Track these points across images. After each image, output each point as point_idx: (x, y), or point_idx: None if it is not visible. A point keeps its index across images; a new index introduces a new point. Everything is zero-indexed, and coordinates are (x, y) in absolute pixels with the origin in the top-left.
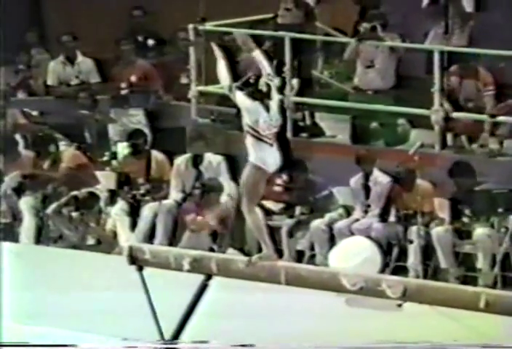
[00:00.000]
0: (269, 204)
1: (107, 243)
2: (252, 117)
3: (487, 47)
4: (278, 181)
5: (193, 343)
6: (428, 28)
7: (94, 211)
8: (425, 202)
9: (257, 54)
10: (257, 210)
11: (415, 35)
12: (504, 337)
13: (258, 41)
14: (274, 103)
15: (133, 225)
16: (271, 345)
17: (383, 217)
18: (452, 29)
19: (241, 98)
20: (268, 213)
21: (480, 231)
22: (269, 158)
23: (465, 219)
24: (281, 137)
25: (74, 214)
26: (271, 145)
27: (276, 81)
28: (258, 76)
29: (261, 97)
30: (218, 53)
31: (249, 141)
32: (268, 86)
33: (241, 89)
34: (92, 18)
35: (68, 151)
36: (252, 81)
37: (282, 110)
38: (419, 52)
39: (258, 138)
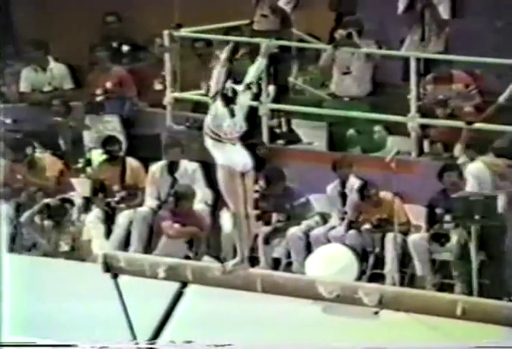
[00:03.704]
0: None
1: (81, 251)
2: (217, 121)
3: (464, 54)
4: (255, 188)
5: (170, 343)
6: (404, 35)
7: (67, 218)
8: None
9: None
10: (245, 215)
11: (391, 41)
12: (481, 344)
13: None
14: (240, 110)
15: (108, 233)
16: (249, 345)
17: (359, 224)
18: (429, 36)
19: (216, 104)
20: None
21: (457, 238)
22: (235, 156)
23: (445, 226)
24: (245, 138)
25: (46, 222)
26: (234, 144)
27: (241, 88)
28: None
29: (227, 102)
30: (219, 60)
31: (208, 143)
32: (234, 91)
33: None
34: (65, 24)
35: (47, 159)
36: (220, 86)
37: (250, 117)
38: (395, 59)
39: (218, 140)
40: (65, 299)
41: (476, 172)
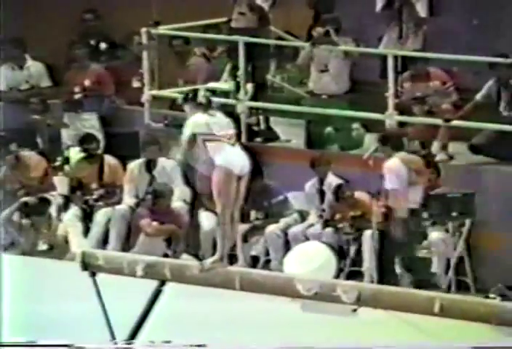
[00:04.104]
0: None
1: (59, 249)
2: (201, 127)
3: (441, 51)
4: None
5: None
6: (381, 33)
7: (45, 216)
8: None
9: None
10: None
11: (369, 39)
12: (459, 341)
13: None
14: (218, 112)
15: (86, 231)
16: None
17: (336, 222)
18: (406, 34)
19: (187, 110)
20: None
21: (435, 235)
22: (235, 158)
23: (423, 223)
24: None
25: (25, 221)
26: (233, 145)
27: (208, 94)
28: (196, 90)
29: (204, 108)
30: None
31: (210, 147)
32: (207, 98)
33: (185, 102)
34: (42, 22)
35: (32, 158)
36: (190, 95)
37: (229, 115)
38: (373, 57)
39: (216, 140)
40: (42, 298)
41: (392, 168)
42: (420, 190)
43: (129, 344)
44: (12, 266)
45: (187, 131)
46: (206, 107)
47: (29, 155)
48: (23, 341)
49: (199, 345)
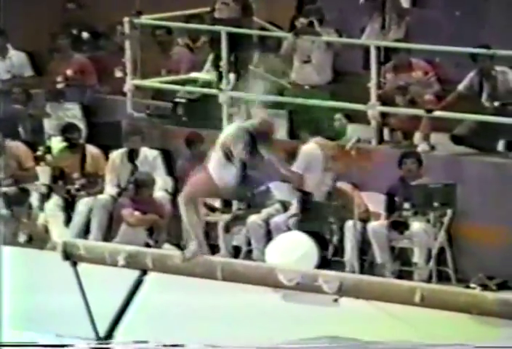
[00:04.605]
0: (209, 200)
1: (39, 239)
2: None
3: (424, 42)
4: None
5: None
6: (364, 24)
7: (25, 206)
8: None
9: None
10: (193, 204)
11: (352, 30)
12: (439, 330)
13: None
14: None
15: (68, 221)
16: (204, 344)
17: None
18: (389, 24)
19: None
20: (212, 210)
21: (416, 226)
22: (226, 176)
23: (404, 213)
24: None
25: (4, 211)
26: (236, 166)
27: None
28: None
29: None
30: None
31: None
32: None
33: None
34: (24, 11)
35: (20, 148)
36: None
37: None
38: (356, 47)
39: (228, 158)
40: (23, 288)
41: (308, 152)
42: (332, 176)
43: (104, 344)
44: None
45: None
46: None
47: (16, 145)
48: (23, 341)
49: (176, 345)
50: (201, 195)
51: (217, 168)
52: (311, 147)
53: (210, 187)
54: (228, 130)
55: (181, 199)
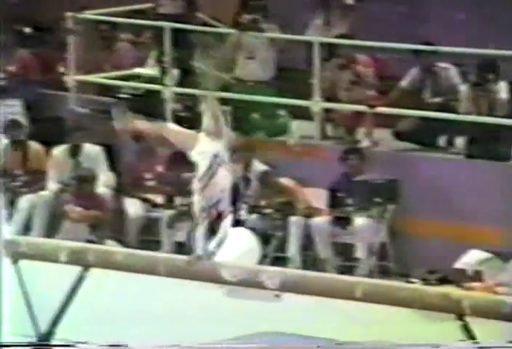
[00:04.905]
0: (151, 196)
1: None
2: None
3: (367, 38)
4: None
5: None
6: (308, 20)
7: None
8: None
9: None
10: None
11: (296, 26)
12: (381, 325)
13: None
14: None
15: (10, 218)
16: (145, 344)
17: (261, 208)
18: (333, 20)
19: None
20: (154, 205)
21: (359, 221)
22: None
23: (347, 209)
24: None
25: None
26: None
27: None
28: None
29: None
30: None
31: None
32: None
33: None
34: None
35: None
36: None
37: None
38: (299, 44)
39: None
40: None
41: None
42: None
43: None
44: None
45: None
46: None
47: None
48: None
49: (119, 345)
50: None
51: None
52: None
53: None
54: None
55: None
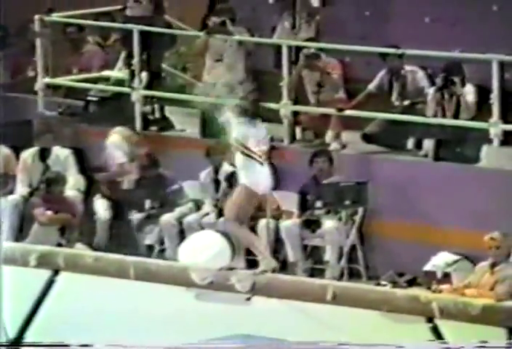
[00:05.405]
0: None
1: None
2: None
3: (334, 41)
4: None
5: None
6: (275, 23)
7: None
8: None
9: None
10: (244, 223)
11: (264, 29)
12: (351, 328)
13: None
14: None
15: None
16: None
17: None
18: (300, 23)
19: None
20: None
21: (328, 224)
22: (261, 177)
23: (316, 212)
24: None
25: None
26: (262, 164)
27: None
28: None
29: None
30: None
31: (239, 161)
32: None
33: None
34: None
35: None
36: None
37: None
38: (267, 46)
39: (248, 155)
40: None
41: (115, 144)
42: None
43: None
44: None
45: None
46: (253, 116)
47: None
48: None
49: (86, 345)
50: (247, 210)
51: (253, 178)
52: (116, 139)
53: (251, 198)
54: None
55: (231, 227)
